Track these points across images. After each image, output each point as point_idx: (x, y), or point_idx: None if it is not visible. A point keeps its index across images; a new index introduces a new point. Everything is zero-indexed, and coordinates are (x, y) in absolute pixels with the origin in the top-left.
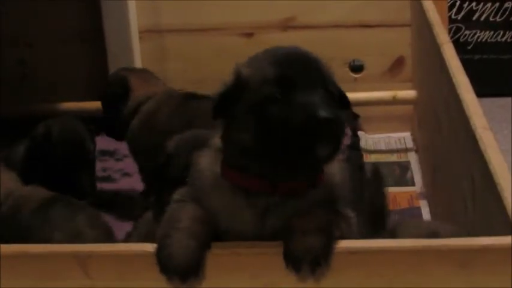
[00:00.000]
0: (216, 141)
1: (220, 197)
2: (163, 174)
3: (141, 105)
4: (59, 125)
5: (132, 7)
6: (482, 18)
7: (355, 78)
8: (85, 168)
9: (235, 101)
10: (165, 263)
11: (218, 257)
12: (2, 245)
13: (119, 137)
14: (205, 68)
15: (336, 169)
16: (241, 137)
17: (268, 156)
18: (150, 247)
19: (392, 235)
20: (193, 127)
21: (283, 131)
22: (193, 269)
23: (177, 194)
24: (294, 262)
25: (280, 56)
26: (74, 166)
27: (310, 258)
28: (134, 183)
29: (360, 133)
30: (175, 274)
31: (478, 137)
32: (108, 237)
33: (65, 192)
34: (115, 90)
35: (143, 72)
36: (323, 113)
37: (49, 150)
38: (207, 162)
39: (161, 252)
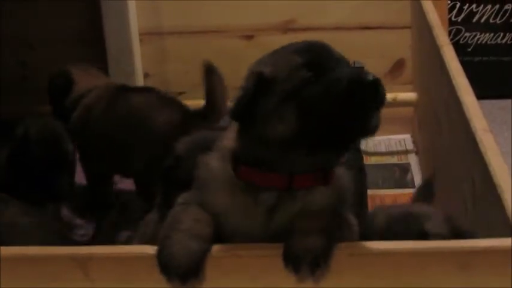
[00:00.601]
0: (226, 143)
1: (232, 197)
2: (171, 177)
3: (82, 98)
4: (36, 125)
5: (132, 9)
6: (483, 20)
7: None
8: (63, 169)
9: (258, 101)
10: (165, 264)
11: (219, 259)
12: (2, 247)
13: None
14: None
15: (341, 172)
16: (276, 129)
17: (314, 138)
18: (150, 249)
19: (371, 218)
20: (128, 120)
21: (330, 104)
22: (193, 270)
23: (181, 198)
24: (294, 262)
25: (301, 47)
26: (51, 167)
27: (309, 259)
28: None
29: None
30: (175, 275)
31: (478, 139)
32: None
33: (44, 193)
34: (58, 82)
35: (87, 67)
36: (369, 75)
37: (27, 150)
38: (218, 163)
39: (162, 253)
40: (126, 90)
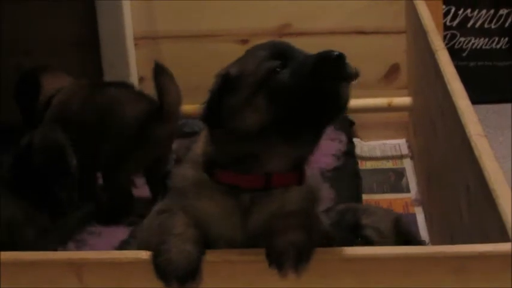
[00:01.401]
0: (197, 151)
1: (211, 202)
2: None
3: (51, 98)
4: (41, 135)
5: (127, 14)
6: (477, 25)
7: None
8: (64, 181)
9: (227, 99)
10: (163, 269)
11: (211, 265)
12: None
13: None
14: (201, 74)
15: (311, 173)
16: (251, 121)
17: (288, 123)
18: (144, 254)
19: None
20: (107, 114)
21: (299, 86)
22: (191, 272)
23: (161, 205)
24: (277, 259)
25: (264, 44)
26: (52, 178)
27: (292, 253)
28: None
29: (355, 140)
30: (174, 278)
31: (473, 143)
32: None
33: (46, 204)
34: (26, 87)
35: (52, 69)
36: (333, 51)
37: (29, 160)
38: (192, 172)
39: (159, 259)
40: (100, 85)
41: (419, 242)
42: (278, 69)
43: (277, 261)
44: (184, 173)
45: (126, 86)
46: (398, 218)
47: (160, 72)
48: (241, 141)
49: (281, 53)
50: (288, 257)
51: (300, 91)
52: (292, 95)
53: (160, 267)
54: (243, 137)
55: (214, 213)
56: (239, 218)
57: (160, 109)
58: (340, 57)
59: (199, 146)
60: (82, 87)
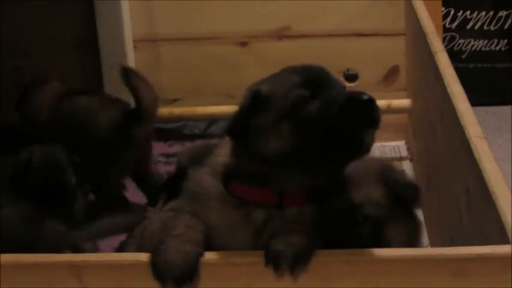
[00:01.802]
0: (219, 159)
1: (223, 213)
2: (175, 187)
3: None
4: (40, 153)
5: (126, 16)
6: (477, 27)
7: (350, 88)
8: (63, 200)
9: (254, 118)
10: (159, 269)
11: (213, 267)
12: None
13: None
14: (200, 77)
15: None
16: (273, 146)
17: (309, 156)
18: (144, 256)
19: None
20: (79, 125)
21: (325, 121)
22: (188, 273)
23: (170, 206)
24: (274, 259)
25: (299, 68)
26: (51, 196)
27: (290, 255)
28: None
29: None
30: (170, 279)
31: (472, 145)
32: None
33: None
34: (26, 100)
35: (52, 81)
36: (364, 95)
37: (28, 177)
38: (210, 179)
39: (156, 258)
40: (72, 93)
41: (410, 188)
42: (308, 99)
43: (274, 261)
44: (201, 179)
45: (97, 93)
46: (383, 174)
47: (129, 75)
48: (262, 161)
49: (313, 81)
50: (284, 258)
51: (325, 128)
52: (317, 130)
53: (157, 267)
54: (264, 158)
55: (222, 225)
56: (250, 234)
57: (136, 111)
58: (370, 102)
59: (221, 154)
60: (52, 96)
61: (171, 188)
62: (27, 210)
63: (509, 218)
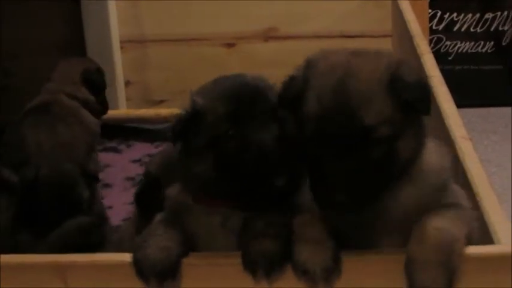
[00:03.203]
0: None
1: (200, 222)
2: (146, 196)
3: None
4: (48, 168)
5: (113, 17)
6: (463, 29)
7: None
8: (75, 215)
9: (193, 129)
10: (141, 265)
11: (196, 268)
12: None
13: None
14: (187, 78)
15: None
16: (201, 169)
17: (229, 186)
18: (128, 257)
19: None
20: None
21: (239, 168)
22: (169, 269)
23: (159, 216)
24: (250, 266)
25: (229, 90)
26: (61, 213)
27: (265, 263)
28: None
29: None
30: (152, 275)
31: (457, 146)
32: None
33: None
34: None
35: None
36: (273, 153)
37: (36, 195)
38: (176, 193)
39: (138, 254)
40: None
41: (419, 91)
42: (229, 135)
43: (250, 267)
44: (171, 195)
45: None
46: (392, 79)
47: None
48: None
49: (239, 114)
50: (259, 265)
51: (238, 170)
52: (234, 168)
53: (139, 264)
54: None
55: (203, 233)
56: (230, 237)
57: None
58: (278, 157)
59: None
60: None
61: (143, 198)
62: (5, 221)
63: (493, 219)
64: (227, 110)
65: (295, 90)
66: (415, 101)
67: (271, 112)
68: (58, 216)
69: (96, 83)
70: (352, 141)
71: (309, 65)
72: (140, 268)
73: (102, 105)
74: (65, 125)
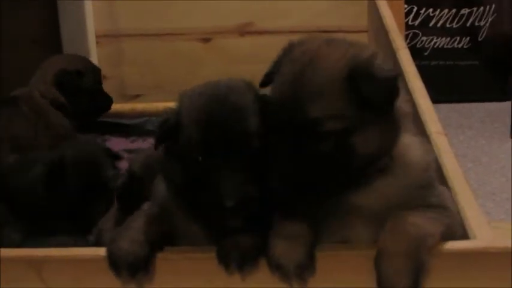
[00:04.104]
0: None
1: (179, 221)
2: (127, 192)
3: None
4: (73, 149)
5: (89, 12)
6: (439, 24)
7: None
8: (100, 197)
9: (173, 135)
10: (114, 257)
11: (174, 262)
12: None
13: None
14: (163, 72)
15: None
16: (173, 176)
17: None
18: (103, 251)
19: None
20: None
21: (196, 199)
22: (141, 261)
23: (143, 207)
24: (223, 258)
25: (208, 112)
26: (87, 195)
27: (237, 256)
28: None
29: None
30: (124, 267)
31: (432, 141)
32: None
33: (75, 222)
34: None
35: None
36: (229, 202)
37: (62, 178)
38: (163, 188)
39: (111, 246)
40: None
41: (383, 87)
42: (199, 161)
43: (223, 260)
44: (161, 189)
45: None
46: (352, 74)
47: None
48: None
49: (210, 142)
50: (232, 259)
51: (195, 200)
52: (191, 191)
53: (112, 255)
54: None
55: (183, 234)
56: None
57: None
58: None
59: None
60: None
61: (124, 194)
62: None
63: (469, 214)
64: (201, 135)
65: (270, 72)
66: (373, 98)
67: (245, 142)
68: (85, 198)
69: (67, 85)
70: (299, 133)
71: (285, 50)
72: (112, 260)
73: (82, 107)
74: (24, 120)
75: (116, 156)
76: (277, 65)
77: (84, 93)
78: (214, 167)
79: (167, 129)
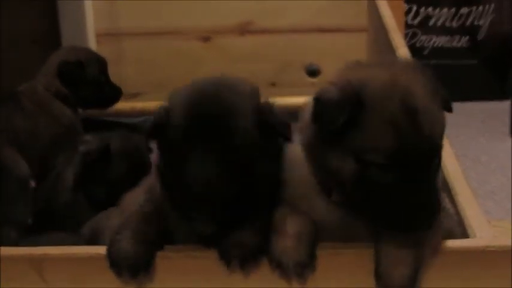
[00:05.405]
0: None
1: (173, 220)
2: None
3: None
4: (118, 140)
5: (89, 10)
6: (439, 23)
7: (313, 83)
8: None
9: (162, 131)
10: (114, 257)
11: (173, 260)
12: None
13: None
14: (163, 71)
15: None
16: (163, 173)
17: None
18: (103, 250)
19: None
20: None
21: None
22: (142, 262)
23: (139, 203)
24: (225, 255)
25: (194, 108)
26: (130, 180)
27: (238, 254)
28: None
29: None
30: (125, 268)
31: None
32: None
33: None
34: None
35: None
36: (197, 187)
37: (106, 166)
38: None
39: (111, 248)
40: None
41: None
42: (183, 152)
43: (225, 257)
44: (156, 187)
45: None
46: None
47: None
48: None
49: (196, 136)
50: (234, 256)
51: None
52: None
53: (112, 256)
54: None
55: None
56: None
57: None
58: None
59: None
60: None
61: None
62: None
63: (469, 213)
64: (183, 136)
65: None
66: None
67: (229, 139)
68: (127, 183)
69: (68, 76)
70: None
71: None
72: (113, 261)
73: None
74: (24, 114)
75: (149, 149)
76: None
77: (88, 84)
78: (192, 157)
79: (156, 125)
